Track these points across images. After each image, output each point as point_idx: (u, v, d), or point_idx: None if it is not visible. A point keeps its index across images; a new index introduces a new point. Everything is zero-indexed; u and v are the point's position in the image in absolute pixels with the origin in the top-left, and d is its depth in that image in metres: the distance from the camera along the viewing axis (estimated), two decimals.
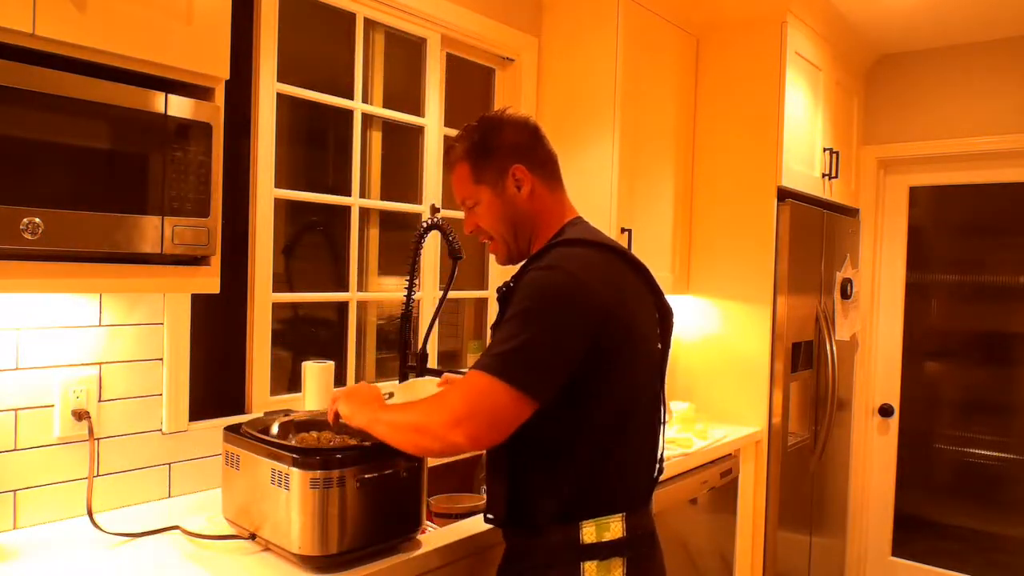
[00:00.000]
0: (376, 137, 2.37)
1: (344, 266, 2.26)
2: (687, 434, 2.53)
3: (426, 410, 1.24)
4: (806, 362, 3.05)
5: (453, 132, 2.50)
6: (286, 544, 1.34)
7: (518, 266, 1.51)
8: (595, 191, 2.54)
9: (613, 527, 1.30)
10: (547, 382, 1.21)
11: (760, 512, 2.83)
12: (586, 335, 1.24)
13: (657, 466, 1.43)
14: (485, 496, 1.53)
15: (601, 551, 1.29)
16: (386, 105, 2.36)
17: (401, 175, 2.45)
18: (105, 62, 1.27)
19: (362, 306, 2.35)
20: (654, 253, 2.78)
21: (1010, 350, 3.36)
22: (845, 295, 3.32)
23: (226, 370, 1.94)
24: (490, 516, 1.42)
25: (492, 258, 2.70)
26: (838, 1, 2.93)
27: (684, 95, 2.92)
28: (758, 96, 2.84)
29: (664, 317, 1.44)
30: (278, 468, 1.35)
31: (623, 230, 2.53)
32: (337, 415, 1.41)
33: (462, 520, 1.66)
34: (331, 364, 1.89)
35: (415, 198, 2.46)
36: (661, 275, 2.81)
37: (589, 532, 1.29)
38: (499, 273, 2.73)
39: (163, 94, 1.31)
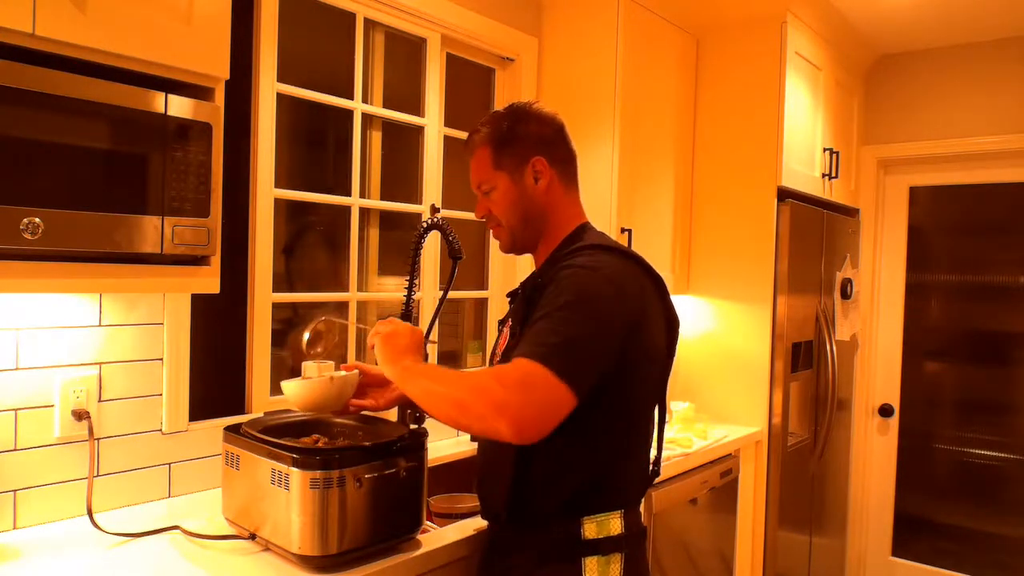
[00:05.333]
0: (376, 137, 2.37)
1: (344, 266, 2.26)
2: (687, 434, 2.53)
3: (474, 387, 1.18)
4: (806, 362, 3.05)
5: (453, 132, 2.50)
6: (286, 544, 1.34)
7: (517, 259, 1.51)
8: (595, 191, 2.54)
9: (613, 524, 1.32)
10: (589, 378, 1.21)
11: (760, 512, 2.83)
12: (620, 337, 1.26)
13: (652, 468, 1.45)
14: (477, 494, 1.53)
15: (603, 546, 1.30)
16: (386, 105, 2.36)
17: (401, 175, 2.45)
18: (105, 62, 1.27)
19: (362, 306, 2.35)
20: (654, 253, 2.78)
21: (1010, 350, 3.36)
22: (845, 295, 3.32)
23: (226, 370, 1.94)
24: (490, 512, 1.43)
25: (492, 258, 2.72)
26: (838, 1, 2.93)
27: (684, 95, 2.92)
28: (758, 96, 2.84)
29: (672, 326, 1.45)
30: (278, 468, 1.35)
31: (623, 230, 2.53)
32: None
33: (462, 520, 1.66)
34: (331, 364, 1.89)
35: (415, 198, 2.46)
36: (661, 275, 2.81)
37: (590, 528, 1.30)
38: (499, 273, 2.73)
39: (163, 94, 1.31)
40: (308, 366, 1.51)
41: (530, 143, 1.43)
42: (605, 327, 1.24)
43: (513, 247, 1.50)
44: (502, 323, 1.52)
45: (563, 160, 1.47)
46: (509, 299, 1.60)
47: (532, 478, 1.32)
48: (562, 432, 1.26)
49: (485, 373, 1.21)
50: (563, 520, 1.31)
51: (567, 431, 1.27)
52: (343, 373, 1.53)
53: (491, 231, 1.52)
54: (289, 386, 1.49)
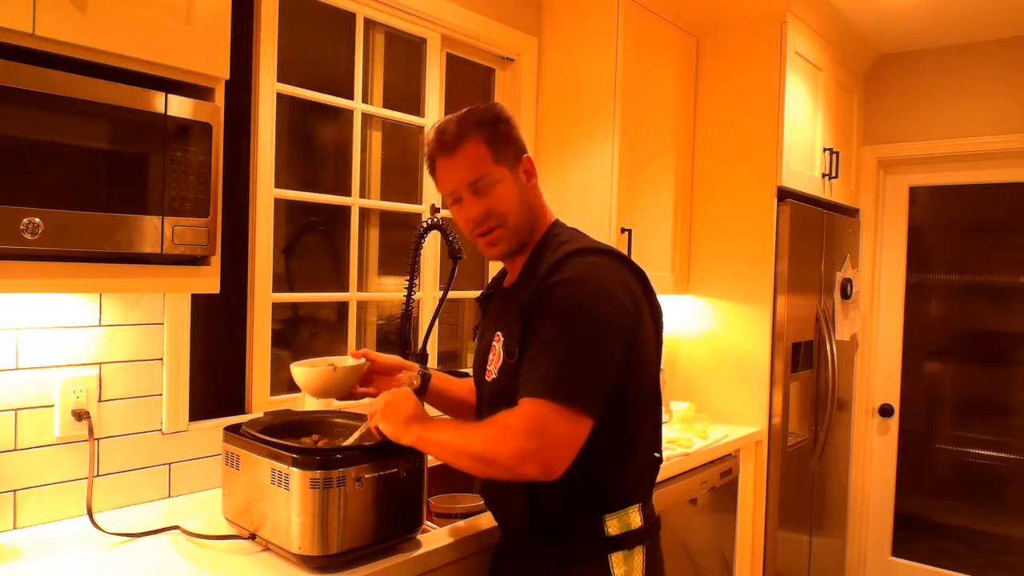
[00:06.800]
0: (376, 137, 2.37)
1: (344, 266, 2.26)
2: (687, 434, 2.53)
3: (491, 440, 1.21)
4: (806, 362, 3.05)
5: None
6: (286, 544, 1.34)
7: (500, 264, 1.50)
8: (595, 191, 2.54)
9: (633, 517, 1.34)
10: (600, 396, 1.22)
11: (760, 512, 2.83)
12: (621, 343, 1.26)
13: (657, 456, 1.45)
14: (484, 503, 1.53)
15: (627, 541, 1.32)
16: (386, 105, 2.36)
17: (401, 175, 2.45)
18: (105, 62, 1.27)
19: (362, 306, 2.35)
20: (654, 253, 2.78)
21: (1010, 350, 3.36)
22: (845, 295, 3.32)
23: (226, 370, 1.94)
24: (508, 524, 1.44)
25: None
26: (838, 1, 2.93)
27: (684, 95, 2.92)
28: (758, 96, 2.84)
29: (657, 318, 1.44)
30: (278, 468, 1.35)
31: (623, 230, 2.53)
32: (379, 430, 1.38)
33: (462, 520, 1.66)
34: (345, 358, 1.89)
35: (415, 198, 2.46)
36: (661, 275, 2.82)
37: (613, 525, 1.32)
38: None
39: (163, 94, 1.31)
40: (316, 361, 1.57)
41: (518, 141, 1.41)
42: (606, 340, 1.24)
43: (512, 248, 1.40)
44: (485, 331, 1.49)
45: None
46: (482, 303, 1.57)
47: (548, 487, 1.30)
48: None
49: (500, 424, 1.22)
50: (586, 521, 1.32)
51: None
52: (351, 360, 1.55)
53: (487, 235, 1.38)
54: (297, 370, 1.53)
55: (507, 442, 1.18)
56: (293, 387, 2.10)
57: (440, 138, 1.38)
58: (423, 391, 1.64)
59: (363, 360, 1.57)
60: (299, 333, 2.20)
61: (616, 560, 1.31)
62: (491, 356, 1.40)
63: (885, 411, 3.63)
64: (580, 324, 1.22)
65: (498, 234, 1.37)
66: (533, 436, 1.17)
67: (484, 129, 1.36)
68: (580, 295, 1.25)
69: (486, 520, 1.59)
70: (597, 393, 1.21)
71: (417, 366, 1.66)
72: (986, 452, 3.42)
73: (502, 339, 1.37)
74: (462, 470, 1.28)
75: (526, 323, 1.28)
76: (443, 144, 1.37)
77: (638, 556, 1.32)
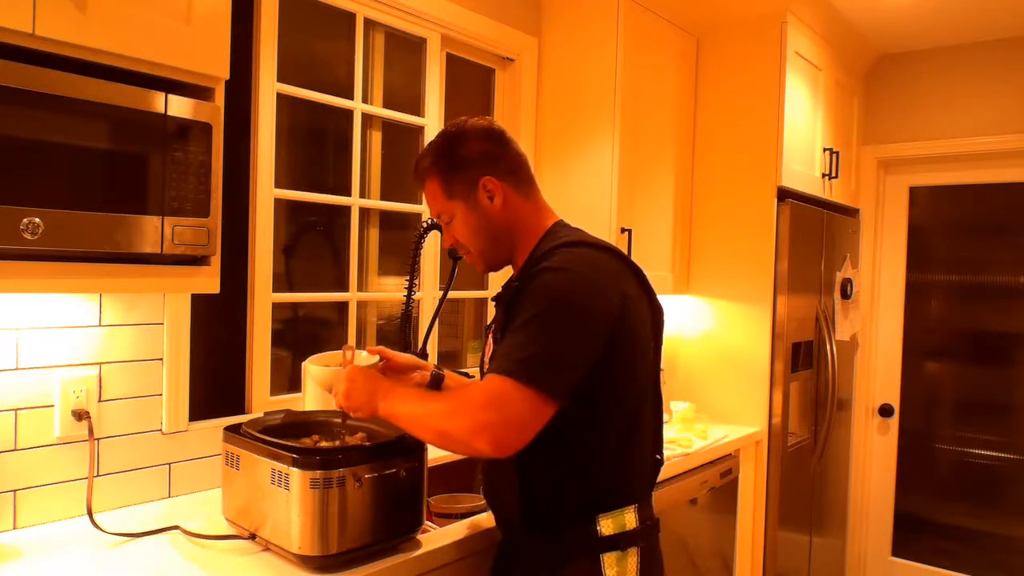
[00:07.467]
0: (376, 137, 2.38)
1: (344, 266, 2.26)
2: (687, 434, 2.53)
3: (448, 414, 1.22)
4: (806, 362, 3.05)
5: None
6: (286, 544, 1.34)
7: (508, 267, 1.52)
8: (595, 191, 2.54)
9: (628, 518, 1.33)
10: (567, 383, 1.22)
11: (760, 512, 2.83)
12: (600, 335, 1.25)
13: (657, 457, 1.46)
14: (485, 500, 1.54)
15: (620, 542, 1.32)
16: (386, 105, 2.36)
17: (401, 175, 2.45)
18: (105, 62, 1.27)
19: (362, 306, 2.35)
20: (654, 253, 2.78)
21: (1010, 350, 3.36)
22: (845, 295, 3.32)
23: (226, 370, 1.94)
24: (503, 519, 1.44)
25: None
26: (838, 1, 2.93)
27: (684, 95, 2.92)
28: (758, 96, 2.84)
29: (656, 316, 1.44)
30: (278, 468, 1.35)
31: (623, 230, 2.53)
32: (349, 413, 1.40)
33: (462, 520, 1.66)
34: (360, 352, 1.89)
35: (415, 198, 2.46)
36: (661, 275, 2.82)
37: (607, 525, 1.31)
38: (499, 273, 2.72)
39: (163, 94, 1.31)
40: (331, 355, 1.58)
41: (475, 164, 1.40)
42: (581, 327, 1.23)
43: (489, 268, 1.49)
44: (488, 328, 1.51)
45: (512, 170, 1.43)
46: (495, 303, 1.60)
47: (542, 483, 1.32)
48: (564, 435, 1.27)
49: (458, 397, 1.25)
50: (579, 520, 1.32)
51: (569, 434, 1.28)
52: (364, 355, 1.56)
53: (465, 256, 1.50)
54: (313, 369, 1.54)
55: (464, 415, 1.19)
56: (293, 387, 2.10)
57: (414, 168, 1.48)
58: (436, 390, 1.65)
59: (378, 358, 1.57)
60: (299, 333, 2.20)
61: (608, 560, 1.30)
62: (487, 348, 1.45)
63: (885, 411, 3.63)
64: (555, 309, 1.23)
65: (471, 259, 1.49)
66: (491, 410, 1.17)
67: (440, 162, 1.42)
68: (560, 282, 1.25)
69: (486, 520, 1.60)
70: (563, 378, 1.21)
71: (431, 365, 1.67)
72: (986, 452, 3.42)
73: (493, 330, 1.41)
74: (425, 441, 1.30)
75: (510, 310, 1.29)
76: (415, 174, 1.48)
77: (632, 557, 1.32)
